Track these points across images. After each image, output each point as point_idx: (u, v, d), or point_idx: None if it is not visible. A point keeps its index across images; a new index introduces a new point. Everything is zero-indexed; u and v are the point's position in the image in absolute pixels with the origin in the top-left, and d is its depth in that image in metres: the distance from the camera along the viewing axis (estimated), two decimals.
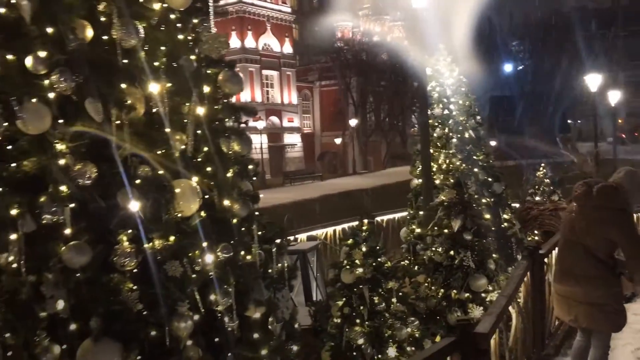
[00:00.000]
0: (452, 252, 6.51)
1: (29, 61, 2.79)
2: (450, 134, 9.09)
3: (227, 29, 47.22)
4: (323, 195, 23.89)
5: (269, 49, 52.42)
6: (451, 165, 8.61)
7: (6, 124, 2.74)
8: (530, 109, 50.21)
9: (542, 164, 13.00)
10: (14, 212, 2.66)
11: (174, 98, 3.23)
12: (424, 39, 7.94)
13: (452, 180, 6.97)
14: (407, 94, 52.16)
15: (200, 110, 3.32)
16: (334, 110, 55.61)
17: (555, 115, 50.98)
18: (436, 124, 9.14)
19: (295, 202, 20.93)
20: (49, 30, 2.86)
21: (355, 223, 5.66)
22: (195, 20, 3.65)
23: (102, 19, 3.00)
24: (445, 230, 6.60)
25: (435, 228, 6.72)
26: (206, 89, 3.45)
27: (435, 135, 8.92)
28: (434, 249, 6.64)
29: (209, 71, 3.56)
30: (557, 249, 5.03)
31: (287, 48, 54.32)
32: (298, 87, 56.66)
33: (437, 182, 8.29)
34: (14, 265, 2.64)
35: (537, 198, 11.96)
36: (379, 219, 11.16)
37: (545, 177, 12.44)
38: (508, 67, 54.74)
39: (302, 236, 9.41)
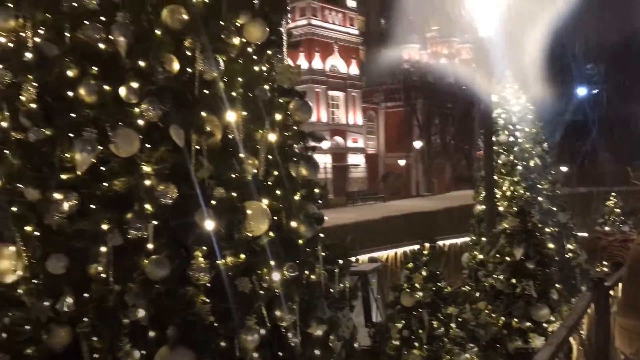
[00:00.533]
0: (514, 280, 6.47)
1: (122, 91, 3.10)
2: (516, 161, 9.03)
3: (295, 51, 48.26)
4: (385, 217, 23.82)
5: (335, 70, 53.00)
6: (515, 193, 8.55)
7: (101, 147, 3.05)
8: (604, 134, 48.33)
9: (613, 193, 12.57)
10: (104, 226, 2.95)
11: (248, 125, 3.48)
12: (491, 65, 7.98)
13: (515, 208, 6.96)
14: (474, 116, 51.43)
15: (272, 137, 3.56)
16: (399, 131, 55.46)
17: (630, 141, 48.84)
18: (501, 150, 9.10)
19: (358, 223, 21.00)
20: (141, 63, 3.18)
21: (417, 246, 5.76)
22: (269, 52, 3.92)
23: (187, 53, 3.29)
24: (508, 258, 6.58)
25: (498, 255, 6.71)
26: (278, 116, 3.68)
27: (500, 162, 8.89)
28: (495, 276, 6.62)
29: (280, 100, 3.80)
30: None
31: (354, 69, 54.75)
32: (363, 108, 56.87)
33: (501, 209, 8.25)
34: (103, 275, 2.92)
35: (607, 228, 11.57)
36: (440, 243, 11.09)
37: (616, 206, 12.03)
38: (582, 91, 52.94)
39: (363, 257, 9.52)
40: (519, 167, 8.92)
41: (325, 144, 44.55)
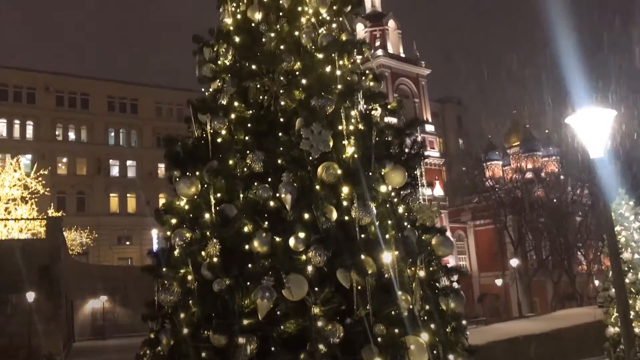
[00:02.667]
0: None
1: (291, 241, 3.49)
2: None
3: None
4: (491, 342, 22.61)
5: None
6: None
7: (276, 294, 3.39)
8: None
9: None
10: None
11: (400, 264, 3.74)
12: (603, 183, 7.96)
13: None
14: (569, 229, 49.42)
15: (422, 273, 3.79)
16: (491, 249, 53.91)
17: None
18: (626, 268, 8.82)
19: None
20: (306, 215, 3.59)
21: None
22: (407, 193, 4.28)
23: (344, 203, 3.69)
24: None
25: None
26: (424, 253, 3.93)
27: (627, 280, 8.57)
28: None
29: (424, 237, 4.07)
30: None
31: (438, 191, 55.00)
32: (451, 228, 56.18)
33: (637, 330, 7.84)
34: None
35: None
36: None
37: None
38: None
39: None
40: None
41: None
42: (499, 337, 25.00)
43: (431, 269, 3.99)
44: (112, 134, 59.65)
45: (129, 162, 58.94)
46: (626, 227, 9.21)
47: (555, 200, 49.95)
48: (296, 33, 4.11)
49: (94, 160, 58.23)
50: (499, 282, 51.29)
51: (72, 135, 58.74)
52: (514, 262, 47.06)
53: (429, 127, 56.44)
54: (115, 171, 58.78)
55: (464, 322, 4.03)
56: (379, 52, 52.65)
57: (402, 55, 55.97)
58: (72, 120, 58.07)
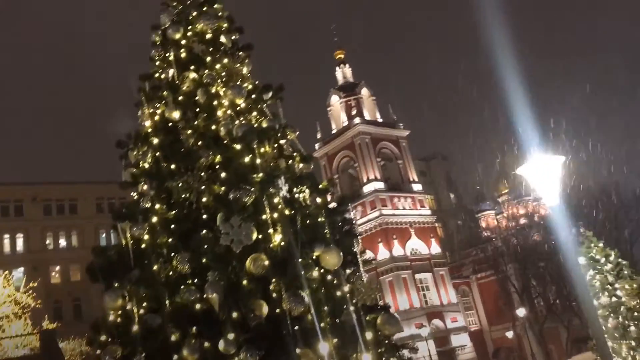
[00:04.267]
0: None
1: (221, 345, 3.31)
2: (626, 322, 8.33)
3: (373, 242, 49.16)
4: None
5: (417, 252, 52.93)
6: (637, 358, 7.78)
7: None
8: None
9: None
10: None
11: (341, 351, 3.55)
12: (566, 230, 7.85)
13: None
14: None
15: (367, 358, 3.59)
16: (497, 301, 52.89)
17: None
18: (607, 313, 8.49)
19: None
20: (234, 314, 3.43)
21: None
22: (348, 271, 4.13)
23: (274, 295, 3.54)
24: None
25: None
26: (368, 335, 3.75)
27: (609, 325, 8.24)
28: None
29: (367, 318, 3.90)
30: None
31: (435, 248, 54.54)
32: (454, 285, 55.32)
33: None
34: None
35: None
36: None
37: None
38: None
39: None
40: (632, 328, 8.21)
41: (424, 331, 42.80)
42: None
43: (379, 350, 3.79)
44: (104, 235, 59.16)
45: None
46: (600, 271, 8.93)
47: (553, 243, 49.57)
48: (214, 127, 4.09)
49: (87, 264, 57.47)
50: (509, 334, 50.02)
51: (63, 242, 58.19)
52: (521, 312, 46.06)
53: (417, 187, 56.69)
54: None
55: None
56: (357, 120, 53.62)
57: (380, 120, 56.97)
58: (61, 228, 57.68)
